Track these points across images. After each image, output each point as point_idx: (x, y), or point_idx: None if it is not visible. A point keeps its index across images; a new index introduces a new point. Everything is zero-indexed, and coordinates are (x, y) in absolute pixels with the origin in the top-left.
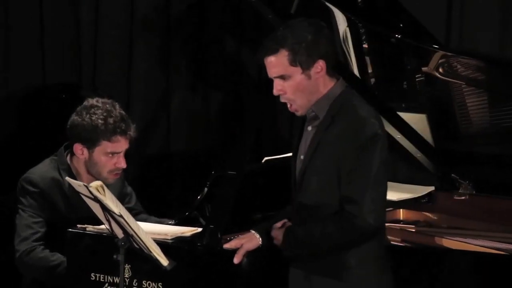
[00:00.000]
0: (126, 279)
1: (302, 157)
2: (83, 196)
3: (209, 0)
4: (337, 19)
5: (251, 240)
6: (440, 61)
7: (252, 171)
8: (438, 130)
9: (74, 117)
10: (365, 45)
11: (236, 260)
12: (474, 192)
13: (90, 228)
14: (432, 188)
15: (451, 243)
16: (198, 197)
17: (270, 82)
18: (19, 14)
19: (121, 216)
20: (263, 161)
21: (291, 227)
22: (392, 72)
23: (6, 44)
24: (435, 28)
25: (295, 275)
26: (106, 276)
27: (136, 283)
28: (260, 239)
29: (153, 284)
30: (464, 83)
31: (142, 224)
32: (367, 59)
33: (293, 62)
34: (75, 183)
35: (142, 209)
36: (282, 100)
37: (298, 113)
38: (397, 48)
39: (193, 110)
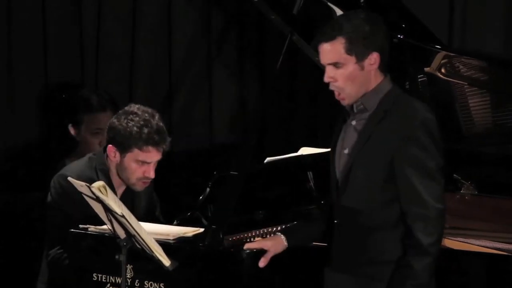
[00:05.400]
0: (128, 279)
1: (346, 151)
2: (85, 197)
3: (210, 1)
4: None
5: (278, 242)
6: (443, 61)
7: (254, 172)
8: (440, 130)
9: (113, 120)
10: None
11: (262, 263)
12: (476, 192)
13: (92, 228)
14: None
15: (453, 243)
16: (200, 197)
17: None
18: (21, 13)
19: (123, 216)
20: (265, 161)
21: None
22: (394, 72)
23: (9, 44)
24: (437, 28)
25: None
26: (108, 277)
27: (138, 284)
28: (286, 241)
29: (155, 284)
30: (466, 83)
31: (144, 225)
32: None
33: (349, 51)
34: (77, 183)
35: (163, 221)
36: (331, 87)
37: (345, 102)
38: (399, 48)
39: (196, 110)
